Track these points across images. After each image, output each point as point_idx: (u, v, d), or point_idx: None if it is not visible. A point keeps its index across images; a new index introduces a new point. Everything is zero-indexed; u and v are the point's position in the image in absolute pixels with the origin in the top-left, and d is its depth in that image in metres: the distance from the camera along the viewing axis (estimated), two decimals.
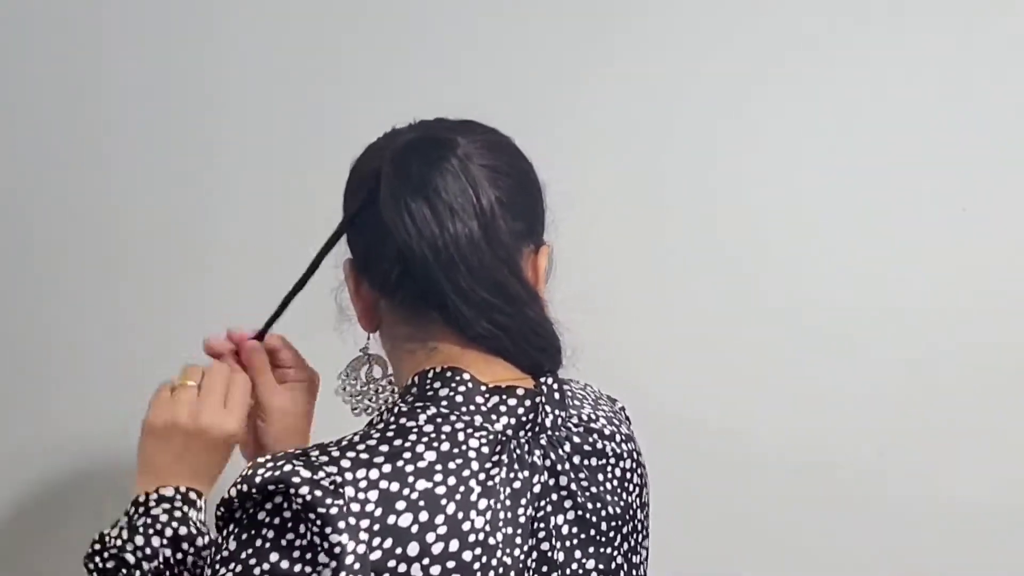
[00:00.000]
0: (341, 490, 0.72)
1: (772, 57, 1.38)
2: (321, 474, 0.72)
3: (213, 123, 1.47)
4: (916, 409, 1.38)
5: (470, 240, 0.78)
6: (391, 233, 0.78)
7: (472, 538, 0.75)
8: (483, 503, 0.76)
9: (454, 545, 0.74)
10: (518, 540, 0.79)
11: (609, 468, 0.87)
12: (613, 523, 0.86)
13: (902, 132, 1.36)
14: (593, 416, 0.89)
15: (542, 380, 0.84)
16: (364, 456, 0.75)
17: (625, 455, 0.90)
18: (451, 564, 0.74)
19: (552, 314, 0.86)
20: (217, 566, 0.72)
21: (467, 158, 0.80)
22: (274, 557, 0.71)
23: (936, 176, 1.36)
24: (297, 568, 0.70)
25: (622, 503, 0.88)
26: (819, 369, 1.39)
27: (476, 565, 0.75)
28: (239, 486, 0.73)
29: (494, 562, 0.75)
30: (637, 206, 1.40)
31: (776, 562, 1.41)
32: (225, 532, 0.74)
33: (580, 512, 0.83)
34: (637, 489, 0.91)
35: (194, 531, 0.88)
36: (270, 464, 0.73)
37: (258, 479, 0.72)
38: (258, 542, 0.72)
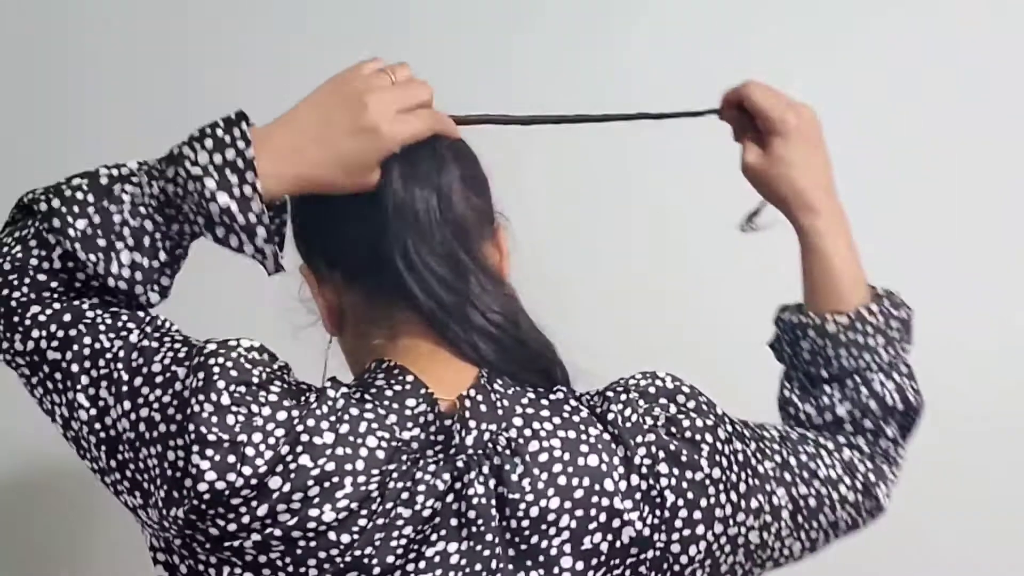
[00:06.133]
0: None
1: (771, 57, 1.38)
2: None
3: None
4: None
5: (426, 209, 0.79)
6: (356, 209, 0.79)
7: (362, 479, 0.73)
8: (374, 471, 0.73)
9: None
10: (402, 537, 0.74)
11: (519, 500, 0.77)
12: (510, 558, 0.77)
13: (903, 132, 1.36)
14: (544, 432, 0.79)
15: (474, 387, 0.79)
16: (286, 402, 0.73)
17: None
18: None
19: (518, 298, 0.83)
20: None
21: (436, 137, 0.81)
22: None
23: (936, 176, 1.36)
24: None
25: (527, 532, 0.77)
26: None
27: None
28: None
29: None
30: (635, 206, 1.40)
31: None
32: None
33: (472, 543, 0.76)
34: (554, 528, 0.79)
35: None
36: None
37: None
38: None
